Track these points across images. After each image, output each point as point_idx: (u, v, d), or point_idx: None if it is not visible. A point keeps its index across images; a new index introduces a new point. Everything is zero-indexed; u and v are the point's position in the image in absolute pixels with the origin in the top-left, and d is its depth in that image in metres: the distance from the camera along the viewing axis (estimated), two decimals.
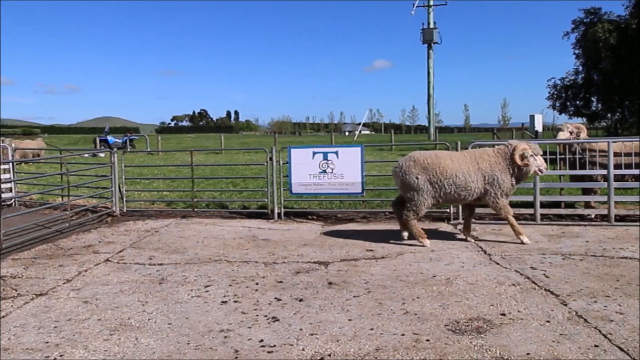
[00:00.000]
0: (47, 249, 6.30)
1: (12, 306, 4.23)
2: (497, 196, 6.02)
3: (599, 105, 29.88)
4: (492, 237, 6.57)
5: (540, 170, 6.07)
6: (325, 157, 8.07)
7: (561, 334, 3.46)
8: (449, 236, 6.61)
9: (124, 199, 8.96)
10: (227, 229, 7.42)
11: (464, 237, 6.46)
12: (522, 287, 4.47)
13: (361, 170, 7.96)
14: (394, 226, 7.46)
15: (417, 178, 6.07)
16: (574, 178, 7.79)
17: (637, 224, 6.97)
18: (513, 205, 6.63)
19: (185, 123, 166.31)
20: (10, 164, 10.14)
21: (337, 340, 3.44)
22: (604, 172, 7.28)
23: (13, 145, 13.00)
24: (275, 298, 4.34)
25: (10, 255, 5.96)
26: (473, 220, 7.48)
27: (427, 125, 47.55)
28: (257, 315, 3.94)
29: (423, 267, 5.19)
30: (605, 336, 3.41)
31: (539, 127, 24.66)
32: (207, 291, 4.55)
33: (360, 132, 65.65)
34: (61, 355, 3.30)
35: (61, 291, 4.61)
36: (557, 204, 7.94)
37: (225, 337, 3.55)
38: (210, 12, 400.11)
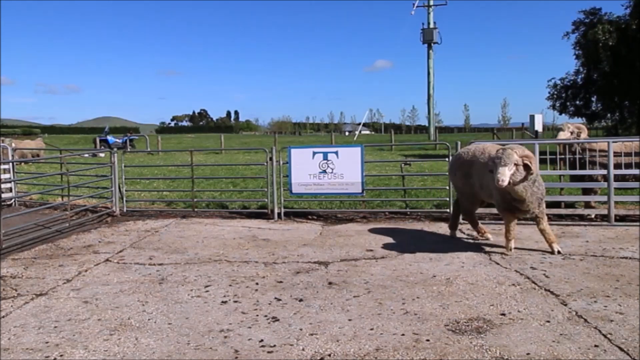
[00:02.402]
0: (47, 249, 6.30)
1: (12, 306, 4.23)
2: None
3: (599, 105, 29.89)
4: (492, 237, 6.56)
5: (498, 181, 4.92)
6: (325, 157, 8.07)
7: (561, 334, 3.46)
8: (449, 236, 6.60)
9: (124, 199, 8.97)
10: (227, 229, 7.42)
11: (465, 237, 6.45)
12: (522, 287, 4.47)
13: (361, 170, 7.96)
14: (394, 226, 7.47)
15: (455, 175, 6.32)
16: (574, 178, 7.79)
17: (637, 224, 6.97)
18: None
19: (185, 123, 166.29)
20: (10, 164, 10.14)
21: (337, 340, 3.44)
22: (604, 172, 7.28)
23: (13, 145, 13.01)
24: (275, 298, 4.34)
25: (10, 255, 5.96)
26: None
27: (427, 125, 47.62)
28: (257, 315, 3.94)
29: (423, 267, 5.19)
30: (605, 336, 3.41)
31: (539, 127, 24.59)
32: (207, 291, 4.55)
33: (360, 132, 65.70)
34: (61, 355, 3.30)
35: (61, 291, 4.61)
36: (557, 204, 7.94)
37: (225, 337, 3.55)
38: (210, 12, 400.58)
